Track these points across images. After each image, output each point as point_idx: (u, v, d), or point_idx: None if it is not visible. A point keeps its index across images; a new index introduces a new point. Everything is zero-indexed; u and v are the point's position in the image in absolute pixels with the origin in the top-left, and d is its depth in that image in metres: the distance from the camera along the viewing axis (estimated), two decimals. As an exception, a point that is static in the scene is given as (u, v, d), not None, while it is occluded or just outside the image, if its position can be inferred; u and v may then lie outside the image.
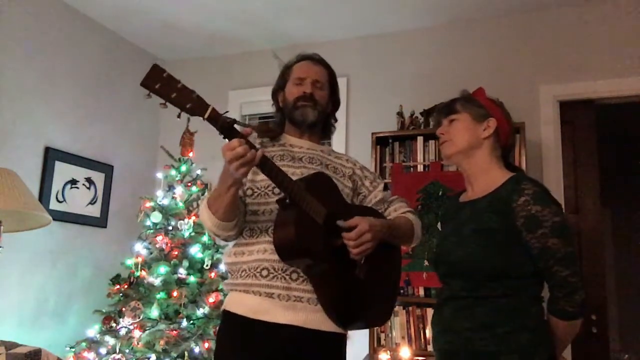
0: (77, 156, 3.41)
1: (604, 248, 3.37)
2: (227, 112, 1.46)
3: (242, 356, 1.61)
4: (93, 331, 2.90)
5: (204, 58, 4.07)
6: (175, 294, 2.86)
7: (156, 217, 3.07)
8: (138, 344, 2.73)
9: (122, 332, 2.81)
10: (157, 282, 2.89)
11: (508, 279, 1.51)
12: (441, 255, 1.67)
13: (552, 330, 1.54)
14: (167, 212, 3.10)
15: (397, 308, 2.92)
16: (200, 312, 2.87)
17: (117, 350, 2.75)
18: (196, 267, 3.02)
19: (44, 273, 3.18)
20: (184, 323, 2.81)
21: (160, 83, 1.36)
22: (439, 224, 2.83)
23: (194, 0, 3.32)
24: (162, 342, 2.69)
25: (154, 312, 2.83)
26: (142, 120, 3.96)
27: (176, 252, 2.98)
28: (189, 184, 3.19)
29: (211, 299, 2.89)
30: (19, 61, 3.09)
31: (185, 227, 3.06)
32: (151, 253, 3.04)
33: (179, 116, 1.42)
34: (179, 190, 3.15)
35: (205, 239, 3.05)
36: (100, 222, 3.56)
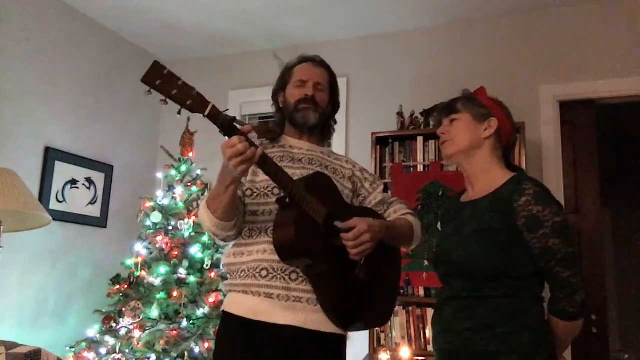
0: (77, 156, 3.41)
1: (604, 248, 3.37)
2: (227, 110, 1.46)
3: (242, 357, 1.61)
4: (93, 331, 2.90)
5: (204, 58, 4.07)
6: (175, 294, 2.86)
7: (156, 217, 3.07)
8: (138, 344, 2.73)
9: (122, 332, 2.82)
10: (157, 282, 2.89)
11: (509, 279, 1.51)
12: (442, 255, 1.67)
13: (553, 330, 1.54)
14: (167, 212, 3.11)
15: (397, 308, 2.92)
16: (200, 312, 2.87)
17: (117, 350, 2.75)
18: (196, 267, 3.02)
19: (44, 273, 3.18)
20: (184, 323, 2.81)
21: (161, 80, 1.36)
22: (439, 224, 2.83)
23: (194, 0, 3.32)
24: (162, 342, 2.69)
25: (154, 312, 2.83)
26: (142, 120, 3.96)
27: (176, 252, 2.98)
28: (189, 184, 3.19)
29: (211, 299, 2.89)
30: (19, 61, 3.09)
31: (185, 227, 3.06)
32: (151, 253, 3.04)
33: (179, 113, 1.41)
34: (179, 190, 3.15)
35: (205, 239, 3.05)
36: (100, 222, 3.56)
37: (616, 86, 3.06)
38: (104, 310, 2.97)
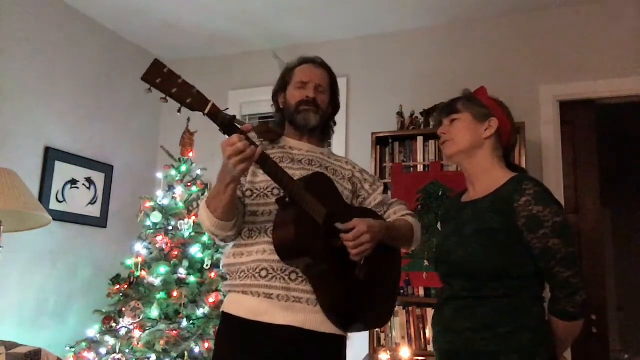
0: (77, 156, 3.41)
1: (604, 248, 3.37)
2: (227, 109, 1.46)
3: (242, 357, 1.61)
4: (93, 331, 2.90)
5: (204, 58, 4.07)
6: (175, 294, 2.86)
7: (156, 217, 3.07)
8: (138, 344, 2.73)
9: (122, 332, 2.82)
10: (157, 282, 2.89)
11: (509, 279, 1.51)
12: (442, 255, 1.67)
13: (553, 330, 1.54)
14: (167, 212, 3.10)
15: (397, 308, 2.92)
16: (200, 312, 2.87)
17: (117, 350, 2.75)
18: (196, 267, 3.02)
19: (44, 273, 3.18)
20: (184, 323, 2.81)
21: (161, 78, 1.36)
22: (439, 224, 2.84)
23: (194, 0, 3.32)
24: (162, 342, 2.69)
25: (154, 312, 2.83)
26: (142, 120, 3.96)
27: (176, 252, 2.98)
28: (189, 184, 3.19)
29: (211, 299, 2.89)
30: (19, 61, 3.09)
31: (185, 227, 3.06)
32: (151, 253, 3.04)
33: (179, 111, 1.42)
34: (179, 190, 3.15)
35: (205, 239, 3.05)
36: (100, 222, 3.56)
37: (616, 86, 3.06)
38: (104, 310, 2.97)
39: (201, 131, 3.17)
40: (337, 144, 3.50)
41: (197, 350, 2.74)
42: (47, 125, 3.24)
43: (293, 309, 1.59)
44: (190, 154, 3.27)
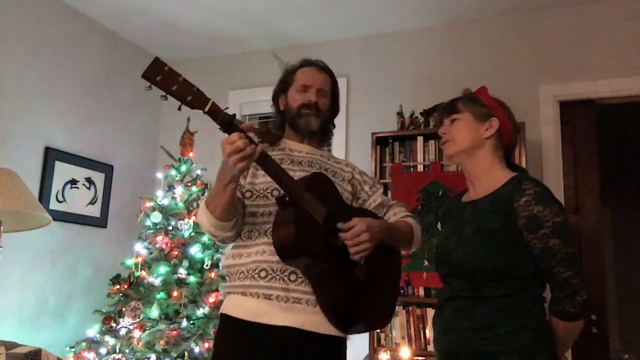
0: (77, 156, 3.41)
1: (604, 248, 3.37)
2: (227, 108, 1.46)
3: (242, 358, 1.60)
4: (93, 331, 2.90)
5: (204, 58, 4.07)
6: (175, 294, 2.86)
7: (156, 217, 3.07)
8: (138, 344, 2.73)
9: (122, 332, 2.81)
10: (157, 282, 2.89)
11: (509, 279, 1.51)
12: (442, 255, 1.67)
13: (554, 331, 1.53)
14: (167, 212, 3.10)
15: (397, 308, 2.92)
16: (200, 312, 2.87)
17: (117, 350, 2.75)
18: (196, 267, 3.02)
19: (44, 273, 3.18)
20: (184, 323, 2.81)
21: (162, 76, 1.37)
22: (439, 224, 2.84)
23: (194, 0, 3.32)
24: (162, 342, 2.69)
25: (154, 312, 2.83)
26: (142, 120, 3.96)
27: (176, 252, 2.98)
28: (189, 184, 3.19)
29: (211, 299, 2.89)
30: (19, 61, 3.09)
31: (185, 227, 3.06)
32: (151, 253, 3.04)
33: (179, 109, 1.42)
34: (179, 190, 3.15)
35: (205, 239, 3.05)
36: (100, 222, 3.56)
37: (616, 86, 3.06)
38: (104, 310, 2.97)
39: (201, 131, 3.17)
40: (337, 144, 3.50)
41: (197, 350, 2.74)
42: (47, 125, 3.24)
43: (293, 309, 1.58)
44: (190, 154, 3.27)
